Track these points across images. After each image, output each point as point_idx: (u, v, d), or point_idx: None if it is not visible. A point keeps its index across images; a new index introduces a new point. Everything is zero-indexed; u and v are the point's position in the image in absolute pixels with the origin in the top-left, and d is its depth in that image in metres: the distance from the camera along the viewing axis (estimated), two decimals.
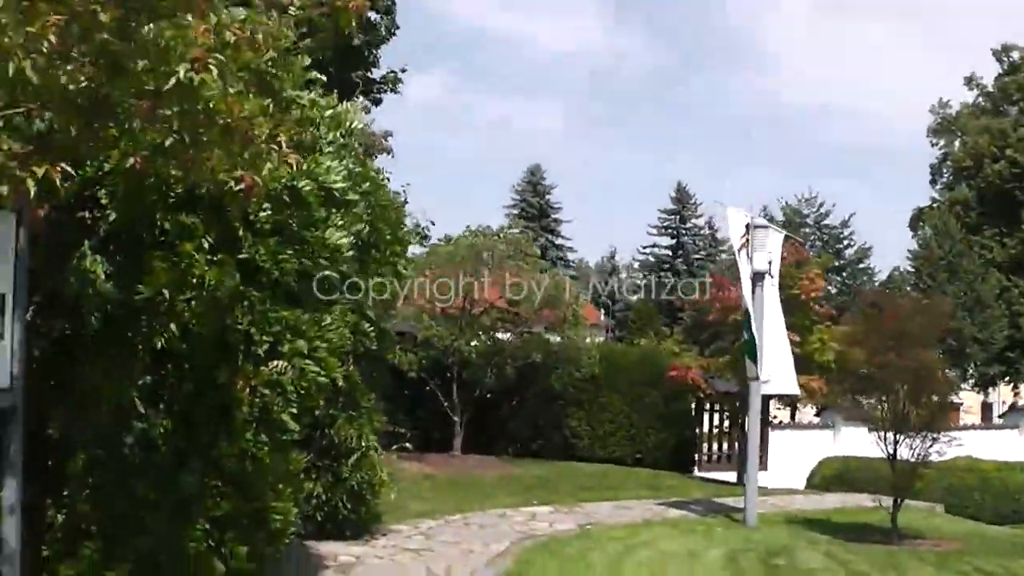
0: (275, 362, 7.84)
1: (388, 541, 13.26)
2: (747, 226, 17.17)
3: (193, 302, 7.24)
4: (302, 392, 7.97)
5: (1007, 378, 56.00)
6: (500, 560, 12.67)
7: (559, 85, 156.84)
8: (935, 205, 61.88)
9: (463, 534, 14.38)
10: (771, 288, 17.23)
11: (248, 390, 7.70)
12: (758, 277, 16.85)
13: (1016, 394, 58.99)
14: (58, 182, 4.96)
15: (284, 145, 5.84)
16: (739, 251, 17.07)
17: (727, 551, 14.21)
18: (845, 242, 73.40)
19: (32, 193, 4.90)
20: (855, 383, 17.86)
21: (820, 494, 23.22)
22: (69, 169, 5.07)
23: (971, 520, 21.76)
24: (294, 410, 7.91)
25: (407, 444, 16.33)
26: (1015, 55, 60.68)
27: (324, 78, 9.05)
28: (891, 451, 16.50)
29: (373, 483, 12.82)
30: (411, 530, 14.28)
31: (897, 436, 16.41)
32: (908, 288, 50.88)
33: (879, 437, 16.58)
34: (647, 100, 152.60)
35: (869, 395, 17.15)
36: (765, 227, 17.58)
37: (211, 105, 5.38)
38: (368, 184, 10.80)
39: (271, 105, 6.14)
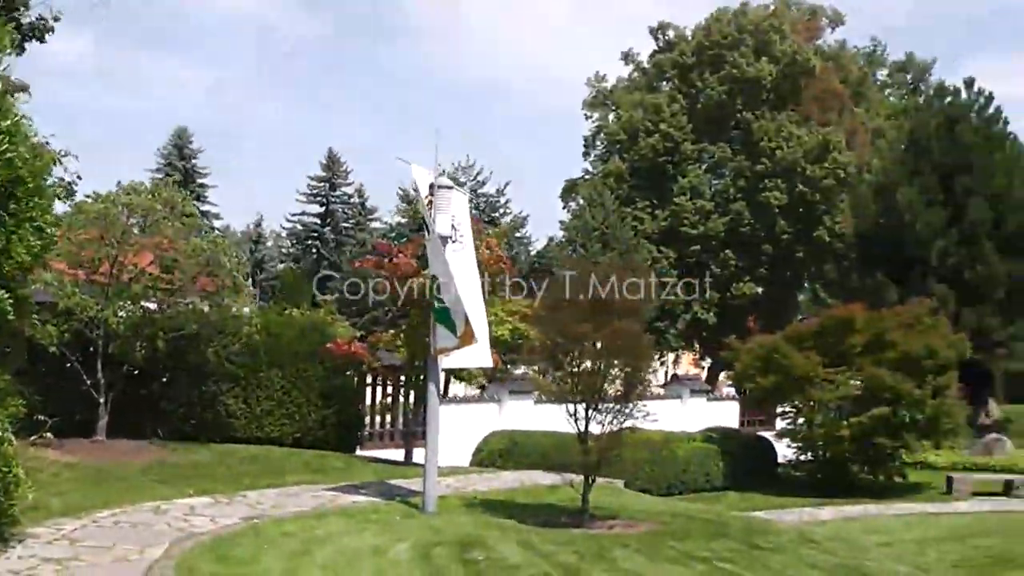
0: None
1: (25, 551, 11.09)
2: (431, 186, 15.87)
3: None
4: None
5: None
6: (158, 569, 10.87)
7: (212, 48, 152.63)
8: (587, 177, 62.62)
9: (114, 536, 12.37)
10: (461, 252, 15.96)
11: None
12: (443, 240, 15.55)
13: (662, 363, 60.42)
14: None
15: None
16: (429, 212, 15.78)
17: (415, 544, 12.93)
18: (501, 210, 74.30)
19: None
20: (545, 355, 16.66)
21: (494, 472, 22.29)
22: None
23: (645, 494, 21.49)
24: None
25: (47, 432, 14.19)
26: (670, 33, 62.12)
27: None
28: (583, 426, 15.46)
29: (7, 481, 10.71)
30: (52, 534, 12.11)
31: (589, 410, 15.40)
32: (569, 256, 51.01)
33: (569, 411, 15.50)
34: (301, 66, 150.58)
35: (559, 367, 16.02)
36: (448, 187, 16.25)
37: None
38: (8, 123, 8.84)
39: None
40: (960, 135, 39.35)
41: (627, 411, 15.44)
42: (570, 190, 63.44)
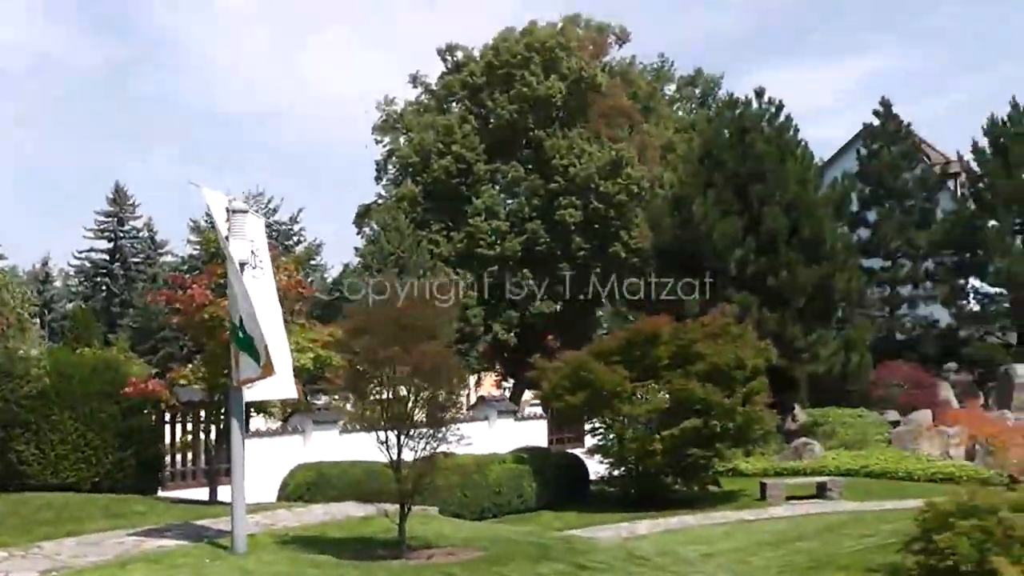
0: None
1: None
2: (227, 210, 15.14)
3: None
4: None
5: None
6: None
7: None
8: (381, 202, 62.06)
9: None
10: (261, 279, 15.23)
11: None
12: (242, 267, 14.83)
13: (464, 386, 60.06)
14: None
15: None
16: (227, 239, 15.02)
17: None
18: (295, 239, 73.96)
19: None
20: (350, 382, 16.03)
21: (304, 506, 21.39)
22: None
23: (459, 519, 20.93)
24: None
25: None
26: (459, 54, 62.11)
27: None
28: (395, 454, 14.90)
29: None
30: None
31: (401, 437, 14.85)
32: (366, 282, 50.27)
33: (380, 439, 14.94)
34: (80, 100, 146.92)
35: (364, 395, 15.43)
36: (244, 211, 15.50)
37: None
38: None
39: None
40: (752, 144, 40.09)
41: (440, 436, 14.99)
42: (363, 215, 62.75)
